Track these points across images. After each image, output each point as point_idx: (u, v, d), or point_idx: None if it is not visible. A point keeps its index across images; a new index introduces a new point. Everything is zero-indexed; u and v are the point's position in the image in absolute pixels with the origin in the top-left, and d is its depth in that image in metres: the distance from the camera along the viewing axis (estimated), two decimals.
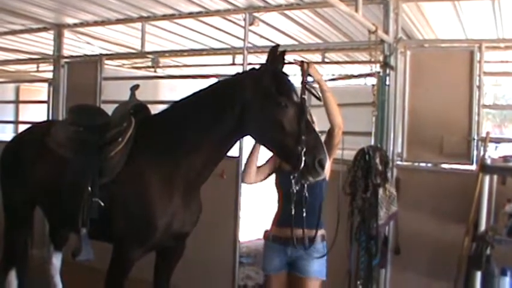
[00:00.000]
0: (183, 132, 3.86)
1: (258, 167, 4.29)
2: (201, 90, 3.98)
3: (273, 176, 4.34)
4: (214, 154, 3.89)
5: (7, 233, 4.85)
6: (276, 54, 3.68)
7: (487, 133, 5.39)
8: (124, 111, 4.30)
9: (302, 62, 3.88)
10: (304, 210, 3.72)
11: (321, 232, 4.04)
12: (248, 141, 4.15)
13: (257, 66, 3.88)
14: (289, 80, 3.67)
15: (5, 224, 4.84)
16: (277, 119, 3.49)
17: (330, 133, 4.09)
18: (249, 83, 3.67)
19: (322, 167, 3.45)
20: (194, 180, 3.97)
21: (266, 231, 4.27)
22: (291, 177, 3.53)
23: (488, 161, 4.77)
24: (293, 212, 3.73)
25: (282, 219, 4.10)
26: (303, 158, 3.41)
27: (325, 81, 4.16)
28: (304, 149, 3.41)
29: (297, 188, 3.58)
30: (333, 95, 4.04)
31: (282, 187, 4.10)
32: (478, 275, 4.48)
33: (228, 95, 3.74)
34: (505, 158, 4.86)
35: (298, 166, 3.43)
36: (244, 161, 4.54)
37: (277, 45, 3.73)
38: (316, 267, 4.02)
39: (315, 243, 3.98)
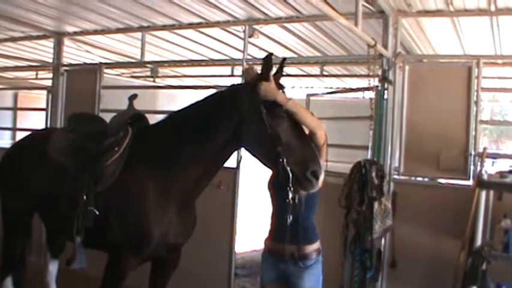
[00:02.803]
0: (180, 143, 3.86)
1: None
2: (198, 101, 4.00)
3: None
4: (211, 165, 3.89)
5: (5, 239, 4.84)
6: (269, 65, 3.64)
7: (484, 148, 5.41)
8: (121, 120, 4.32)
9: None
10: (293, 223, 3.66)
11: (315, 246, 3.95)
12: (246, 153, 4.13)
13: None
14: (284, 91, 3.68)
15: (4, 231, 4.83)
16: (274, 129, 3.49)
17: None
18: (246, 94, 3.67)
19: (317, 177, 3.45)
20: (190, 191, 3.98)
21: (266, 240, 4.22)
22: (288, 188, 3.51)
23: (485, 177, 4.79)
24: (286, 225, 3.67)
25: (276, 233, 4.03)
26: (293, 169, 3.42)
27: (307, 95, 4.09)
28: (297, 160, 3.43)
29: (292, 199, 3.53)
30: (295, 103, 3.72)
31: (278, 202, 4.08)
32: None
33: (224, 106, 3.75)
34: (502, 174, 4.88)
35: (287, 177, 3.43)
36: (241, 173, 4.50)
37: (271, 54, 3.67)
38: (310, 285, 3.91)
39: (307, 259, 3.89)
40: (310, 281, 3.91)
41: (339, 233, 5.01)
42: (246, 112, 3.61)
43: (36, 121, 8.98)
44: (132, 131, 4.17)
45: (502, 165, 7.25)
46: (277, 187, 3.91)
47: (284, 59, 3.93)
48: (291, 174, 3.42)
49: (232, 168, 5.99)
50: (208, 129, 3.77)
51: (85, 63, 9.18)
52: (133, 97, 4.61)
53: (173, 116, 4.18)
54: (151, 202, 3.86)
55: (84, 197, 3.94)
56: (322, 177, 3.47)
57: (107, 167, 4.01)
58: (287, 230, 3.66)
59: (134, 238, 3.87)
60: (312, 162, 3.44)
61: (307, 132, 3.70)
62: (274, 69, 3.75)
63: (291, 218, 3.62)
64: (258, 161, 3.72)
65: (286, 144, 3.47)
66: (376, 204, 4.90)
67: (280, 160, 3.44)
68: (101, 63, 8.05)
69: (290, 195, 3.50)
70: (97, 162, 4.03)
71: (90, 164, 4.05)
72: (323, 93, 9.17)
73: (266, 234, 4.18)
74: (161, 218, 3.87)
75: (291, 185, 3.45)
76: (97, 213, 3.91)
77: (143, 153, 4.03)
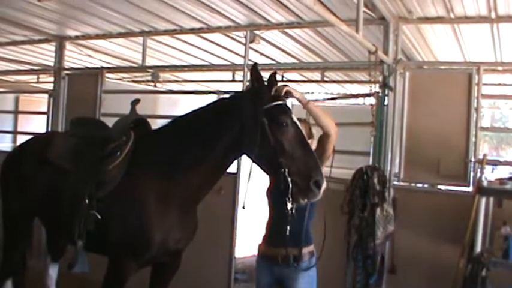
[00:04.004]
0: (182, 149, 3.86)
1: None
2: (201, 108, 4.00)
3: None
4: (213, 171, 3.90)
5: (6, 242, 4.83)
6: (257, 73, 3.66)
7: (484, 155, 5.42)
8: (124, 125, 4.32)
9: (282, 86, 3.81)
10: (290, 228, 3.66)
11: (308, 249, 3.97)
12: (246, 159, 4.12)
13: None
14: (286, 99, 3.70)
15: (4, 234, 4.83)
16: (277, 138, 3.49)
17: (323, 140, 3.93)
18: (249, 101, 3.67)
19: (319, 188, 3.44)
20: (192, 197, 3.98)
21: (259, 245, 4.24)
22: (286, 198, 3.48)
23: (485, 183, 4.80)
24: (282, 230, 3.67)
25: (270, 237, 4.07)
26: (295, 179, 3.42)
27: (323, 99, 4.09)
28: (300, 170, 3.43)
29: (294, 209, 3.53)
30: (313, 104, 3.90)
31: (274, 204, 4.09)
32: None
33: (227, 113, 3.75)
34: (502, 181, 4.89)
35: (287, 187, 3.43)
36: (242, 178, 4.50)
37: (256, 64, 3.73)
38: (304, 286, 3.94)
39: (301, 262, 3.90)
40: (304, 282, 3.92)
41: (341, 238, 5.02)
42: (248, 121, 3.61)
43: (37, 125, 9.01)
44: (134, 136, 4.17)
45: (502, 172, 7.26)
46: (275, 194, 3.92)
47: (274, 73, 3.81)
48: (291, 185, 3.42)
49: (233, 173, 6.01)
50: (210, 136, 3.77)
51: (86, 68, 9.20)
52: (136, 102, 4.61)
53: (176, 121, 4.19)
54: (152, 207, 3.86)
55: (86, 201, 3.94)
56: (324, 186, 3.47)
57: (109, 172, 4.01)
58: (282, 234, 3.66)
59: (135, 242, 3.87)
60: (314, 172, 3.43)
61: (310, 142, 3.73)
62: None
63: (289, 227, 3.61)
64: (258, 167, 3.72)
65: (288, 154, 3.47)
66: (378, 210, 4.92)
67: (282, 170, 3.44)
68: (102, 67, 8.09)
69: (289, 206, 3.48)
70: (99, 167, 4.04)
71: (92, 169, 4.05)
72: (324, 99, 9.18)
73: (260, 240, 4.21)
74: (162, 223, 3.86)
75: (290, 195, 3.44)
76: (99, 217, 3.92)
77: (145, 158, 4.03)
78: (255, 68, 3.67)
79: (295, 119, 3.60)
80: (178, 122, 4.16)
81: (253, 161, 3.68)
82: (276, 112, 3.55)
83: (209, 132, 3.78)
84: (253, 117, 3.58)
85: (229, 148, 3.75)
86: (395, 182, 5.68)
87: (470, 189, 5.31)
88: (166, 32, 7.48)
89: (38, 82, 11.77)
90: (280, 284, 4.03)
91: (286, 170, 3.43)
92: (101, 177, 4.00)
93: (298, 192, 3.45)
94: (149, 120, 4.57)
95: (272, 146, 3.48)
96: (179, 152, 3.87)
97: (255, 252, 4.27)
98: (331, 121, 3.89)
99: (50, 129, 7.74)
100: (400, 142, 5.67)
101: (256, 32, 6.83)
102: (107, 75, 7.73)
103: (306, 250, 3.94)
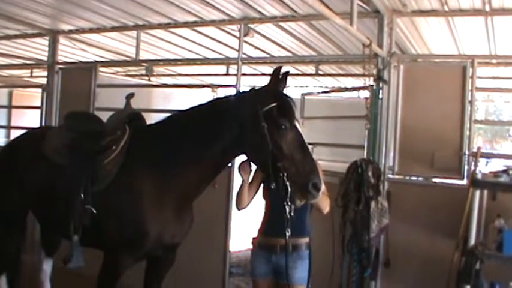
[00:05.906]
0: (179, 145, 3.86)
1: (249, 186, 4.20)
2: (200, 105, 3.98)
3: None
4: (210, 169, 3.89)
5: (0, 237, 4.81)
6: (279, 76, 3.66)
7: (478, 148, 5.43)
8: (119, 119, 4.30)
9: None
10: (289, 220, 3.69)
11: (305, 240, 4.10)
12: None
13: (258, 85, 3.83)
14: (290, 102, 3.66)
15: None
16: (276, 142, 3.47)
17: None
18: (249, 103, 3.64)
19: (318, 189, 3.44)
20: (188, 193, 3.97)
21: (254, 238, 4.29)
22: (285, 203, 3.47)
23: (479, 176, 4.81)
24: (279, 221, 3.71)
25: (268, 228, 4.15)
26: (294, 181, 3.42)
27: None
28: (298, 173, 3.43)
29: (292, 211, 3.54)
30: (325, 193, 3.98)
31: (270, 199, 4.12)
32: None
33: (227, 112, 3.73)
34: (496, 174, 4.89)
35: (286, 191, 3.43)
36: (236, 170, 4.52)
37: (280, 67, 3.71)
38: (299, 275, 4.03)
39: (299, 251, 4.04)
40: (300, 271, 4.04)
41: (337, 232, 5.03)
42: (247, 122, 3.59)
43: (31, 119, 8.98)
44: (129, 130, 4.15)
45: (496, 165, 7.27)
46: (272, 190, 3.94)
47: (287, 72, 3.82)
48: (289, 189, 3.42)
49: (227, 167, 6.00)
50: (208, 134, 3.76)
51: (80, 62, 9.16)
52: (130, 96, 4.59)
53: (174, 117, 4.17)
54: (148, 202, 3.85)
55: (82, 196, 3.93)
56: (322, 188, 3.48)
57: (104, 166, 3.99)
58: (280, 225, 3.68)
59: (130, 237, 3.86)
60: (312, 175, 3.43)
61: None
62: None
63: (289, 231, 3.62)
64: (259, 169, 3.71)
65: (287, 157, 3.46)
66: (372, 204, 4.93)
67: (281, 175, 3.43)
68: (96, 61, 8.05)
69: (287, 209, 3.49)
70: (94, 161, 4.02)
71: (87, 163, 4.04)
72: (318, 93, 9.19)
73: (255, 233, 4.28)
74: (158, 218, 3.86)
75: (288, 199, 3.45)
76: (94, 212, 3.91)
77: (141, 153, 4.02)
78: (277, 71, 3.65)
79: (295, 121, 3.58)
80: (176, 118, 4.15)
81: (252, 162, 3.68)
82: (275, 114, 3.53)
83: (208, 130, 3.77)
84: (253, 119, 3.55)
85: (228, 147, 3.74)
86: (390, 175, 5.69)
87: (464, 182, 5.32)
88: (160, 26, 7.45)
89: (31, 76, 11.74)
90: (275, 273, 4.11)
91: (285, 174, 3.42)
92: (96, 171, 3.99)
93: (297, 193, 3.45)
94: (144, 114, 4.55)
95: (271, 151, 3.46)
96: (176, 148, 3.87)
97: (250, 246, 4.30)
98: (328, 202, 4.10)
99: (43, 123, 7.72)
100: (394, 135, 5.67)
101: (250, 25, 6.80)
102: (101, 69, 7.69)
103: (302, 241, 4.08)
